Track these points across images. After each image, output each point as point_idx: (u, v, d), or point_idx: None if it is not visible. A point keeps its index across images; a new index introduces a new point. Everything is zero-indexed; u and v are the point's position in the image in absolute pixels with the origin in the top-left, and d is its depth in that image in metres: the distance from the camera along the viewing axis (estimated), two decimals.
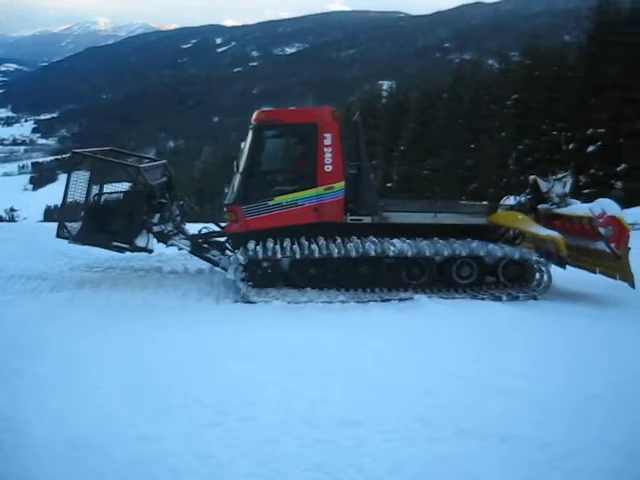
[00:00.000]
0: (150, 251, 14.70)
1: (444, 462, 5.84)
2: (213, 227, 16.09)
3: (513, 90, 62.37)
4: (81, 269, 15.78)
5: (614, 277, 13.30)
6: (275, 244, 13.50)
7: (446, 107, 67.61)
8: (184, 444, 6.19)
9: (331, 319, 11.55)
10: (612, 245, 12.92)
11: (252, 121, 14.61)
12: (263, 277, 13.54)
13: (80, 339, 9.77)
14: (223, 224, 15.82)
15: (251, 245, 13.47)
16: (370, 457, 5.93)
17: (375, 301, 13.03)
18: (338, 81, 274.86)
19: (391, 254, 13.24)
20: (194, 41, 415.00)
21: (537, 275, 13.78)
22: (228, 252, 14.95)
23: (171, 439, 6.29)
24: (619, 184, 30.24)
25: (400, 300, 13.04)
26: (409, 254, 13.27)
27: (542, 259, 13.60)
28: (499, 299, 13.24)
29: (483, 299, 13.24)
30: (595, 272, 13.82)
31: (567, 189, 14.72)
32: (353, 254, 13.18)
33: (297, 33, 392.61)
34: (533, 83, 59.88)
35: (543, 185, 14.91)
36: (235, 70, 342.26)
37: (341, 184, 14.10)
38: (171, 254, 16.70)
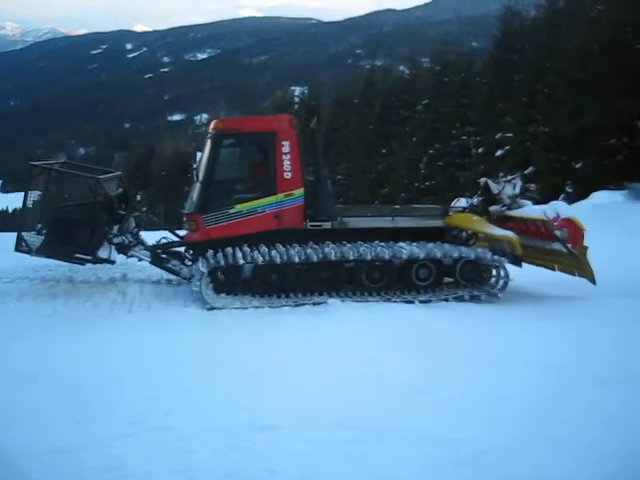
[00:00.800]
0: (112, 262, 14.49)
1: (359, 464, 5.89)
2: (171, 237, 15.87)
3: (423, 95, 63.12)
4: None
5: (572, 274, 13.83)
6: (235, 251, 13.45)
7: (358, 113, 68.08)
8: (97, 456, 6.08)
9: (244, 323, 11.57)
10: (569, 246, 13.42)
11: (210, 130, 14.69)
12: (225, 284, 13.55)
13: None
14: (181, 233, 15.73)
15: (211, 253, 13.38)
16: (285, 461, 5.94)
17: (289, 306, 13.10)
18: (250, 87, 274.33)
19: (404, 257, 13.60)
20: (104, 46, 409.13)
21: (494, 274, 14.13)
22: (187, 262, 14.94)
23: (84, 451, 6.17)
24: (532, 185, 30.89)
25: (314, 304, 13.15)
26: (421, 256, 13.57)
27: (498, 258, 13.88)
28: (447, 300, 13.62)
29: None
30: (554, 269, 14.31)
31: (517, 190, 15.09)
32: (315, 259, 13.33)
33: (208, 39, 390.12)
34: (443, 88, 60.71)
35: (494, 187, 15.22)
36: (146, 76, 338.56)
37: (300, 191, 14.27)
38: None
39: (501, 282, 13.93)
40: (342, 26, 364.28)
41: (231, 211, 14.01)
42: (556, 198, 38.80)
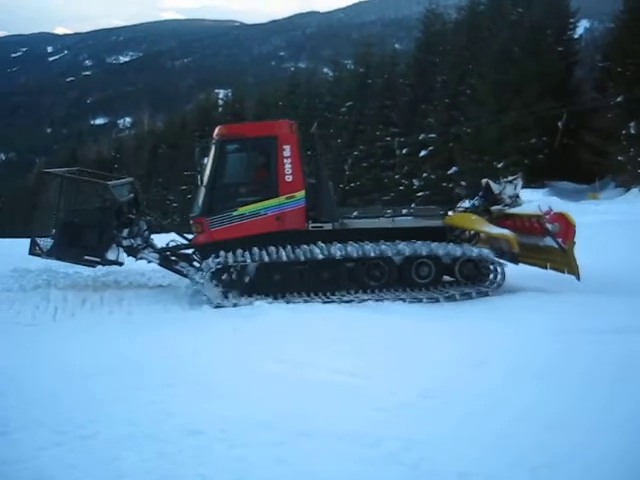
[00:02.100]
0: (120, 264, 15.21)
1: (288, 464, 5.84)
2: (180, 239, 16.40)
3: (347, 97, 63.45)
4: None
5: (562, 271, 13.96)
6: (244, 251, 13.96)
7: (282, 115, 68.04)
8: (23, 467, 5.91)
9: (174, 328, 11.50)
10: (559, 240, 13.63)
11: (214, 136, 15.04)
12: (230, 283, 14.08)
13: None
14: (190, 236, 16.07)
15: (222, 252, 13.83)
16: (215, 466, 5.85)
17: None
18: (173, 90, 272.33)
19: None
20: (24, 49, 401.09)
21: (491, 272, 14.37)
22: (196, 263, 15.24)
23: (9, 463, 5.99)
24: (463, 182, 31.50)
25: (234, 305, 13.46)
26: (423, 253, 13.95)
27: (496, 256, 14.21)
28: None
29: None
30: (546, 268, 14.50)
31: (518, 190, 15.48)
32: (320, 257, 13.73)
33: (131, 41, 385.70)
34: (366, 90, 61.12)
35: (495, 187, 15.55)
36: (68, 79, 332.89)
37: (301, 193, 14.72)
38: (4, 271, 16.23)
39: (498, 280, 14.22)
40: (265, 28, 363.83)
41: (234, 214, 14.49)
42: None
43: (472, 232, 15.58)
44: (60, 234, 14.61)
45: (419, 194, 52.89)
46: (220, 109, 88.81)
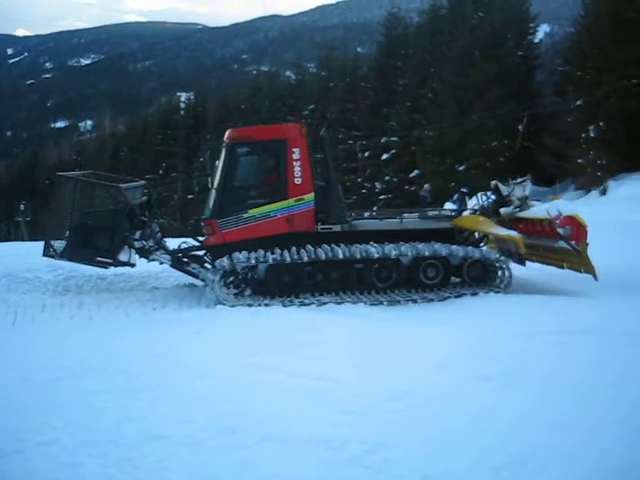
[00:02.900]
0: (132, 265, 15.36)
1: (252, 469, 5.81)
2: (192, 242, 16.44)
3: (310, 100, 63.50)
4: None
5: (579, 271, 14.07)
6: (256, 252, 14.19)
7: (244, 118, 67.91)
8: None
9: (135, 334, 11.42)
10: (572, 243, 13.71)
11: (225, 139, 15.18)
12: (240, 283, 14.26)
13: None
14: (201, 238, 16.22)
15: (236, 253, 14.02)
16: (178, 471, 5.81)
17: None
18: (135, 93, 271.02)
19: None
20: None
21: (499, 273, 14.50)
22: (207, 265, 15.49)
23: None
24: (427, 185, 31.70)
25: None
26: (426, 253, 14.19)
27: (503, 257, 14.41)
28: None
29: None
30: (563, 268, 14.65)
31: (527, 192, 15.59)
32: (341, 256, 13.98)
33: (92, 44, 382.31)
34: (329, 93, 61.20)
35: (504, 189, 15.78)
36: (28, 82, 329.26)
37: (310, 195, 14.91)
38: None
39: (505, 281, 14.39)
40: (228, 31, 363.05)
41: (245, 216, 14.73)
42: (448, 199, 39.77)
43: (480, 234, 15.80)
44: (73, 236, 14.85)
45: (381, 197, 53.07)
46: (182, 112, 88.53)
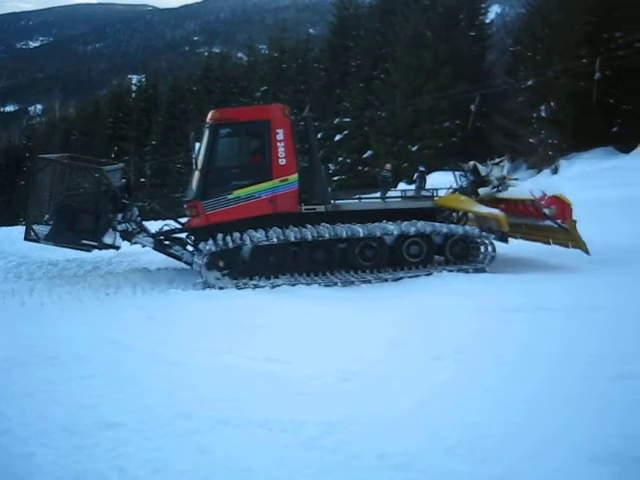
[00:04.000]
0: (117, 248, 15.37)
1: (207, 453, 5.80)
2: (174, 224, 16.50)
3: (262, 82, 63.25)
4: None
5: (567, 246, 14.32)
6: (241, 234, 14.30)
7: (196, 100, 67.57)
8: None
9: (90, 319, 11.30)
10: (559, 221, 13.99)
11: (208, 120, 15.29)
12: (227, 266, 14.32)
13: None
14: (183, 220, 16.27)
15: (219, 235, 14.17)
16: (133, 458, 5.76)
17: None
18: (86, 75, 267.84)
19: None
20: None
21: (482, 249, 14.73)
22: (189, 247, 15.74)
23: None
24: (388, 165, 31.84)
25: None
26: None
27: (485, 234, 14.54)
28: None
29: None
30: (549, 244, 14.95)
31: (505, 172, 15.96)
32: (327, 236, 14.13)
33: (41, 26, 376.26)
34: (281, 74, 61.00)
35: (482, 169, 16.02)
36: None
37: (294, 176, 15.03)
38: None
39: (488, 257, 14.56)
40: (178, 13, 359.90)
41: (229, 197, 14.78)
42: (402, 179, 39.94)
43: (461, 213, 16.03)
44: (58, 219, 14.68)
45: (335, 178, 53.09)
46: (134, 95, 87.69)
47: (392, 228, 14.27)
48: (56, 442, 6.12)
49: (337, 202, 15.90)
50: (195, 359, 8.59)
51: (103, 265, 16.84)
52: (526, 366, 7.63)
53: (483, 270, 14.43)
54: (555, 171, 36.27)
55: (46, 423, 6.54)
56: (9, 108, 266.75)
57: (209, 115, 15.32)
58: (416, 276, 14.28)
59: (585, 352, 7.92)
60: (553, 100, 38.27)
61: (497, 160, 16.15)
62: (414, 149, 45.42)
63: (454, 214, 16.19)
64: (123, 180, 16.63)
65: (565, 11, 37.55)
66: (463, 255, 14.88)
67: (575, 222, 13.98)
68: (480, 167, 16.08)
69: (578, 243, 13.98)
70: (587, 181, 28.77)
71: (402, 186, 33.52)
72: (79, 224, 14.55)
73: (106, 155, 71.07)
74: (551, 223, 14.23)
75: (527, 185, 15.06)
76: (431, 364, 7.95)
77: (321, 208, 15.20)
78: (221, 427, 6.34)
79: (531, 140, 39.94)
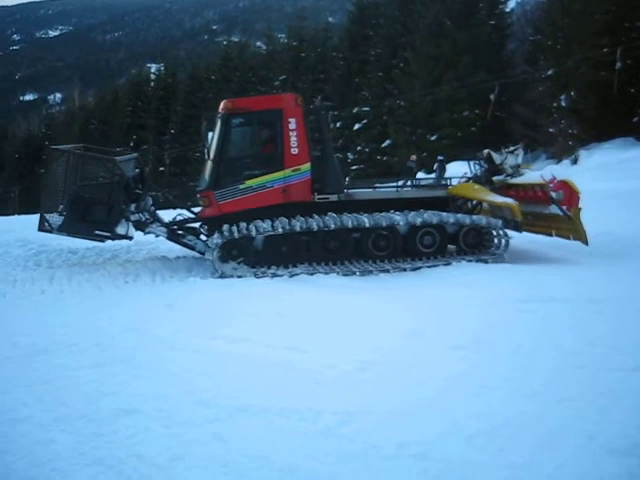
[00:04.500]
0: (130, 238, 15.55)
1: (225, 441, 5.81)
2: (187, 213, 16.50)
3: (281, 71, 63.13)
4: None
5: (568, 238, 14.27)
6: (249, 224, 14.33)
7: (215, 89, 67.53)
8: None
9: (110, 307, 11.34)
10: (564, 207, 13.92)
11: (220, 110, 15.23)
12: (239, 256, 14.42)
13: None
14: (196, 210, 16.27)
15: (225, 226, 14.24)
16: (151, 445, 5.80)
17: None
18: (105, 64, 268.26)
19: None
20: None
21: (495, 240, 14.73)
22: (203, 237, 15.72)
23: None
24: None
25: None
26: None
27: (494, 222, 14.51)
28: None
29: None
30: (551, 235, 14.88)
31: (519, 160, 15.86)
32: (349, 225, 14.15)
33: (60, 15, 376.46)
34: (300, 64, 60.83)
35: (496, 158, 15.98)
36: None
37: (307, 165, 14.98)
38: None
39: (502, 245, 14.56)
40: (197, 1, 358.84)
41: (241, 187, 14.77)
42: (425, 168, 39.79)
43: (475, 202, 16.01)
44: (71, 209, 14.64)
45: (353, 167, 53.00)
46: (152, 84, 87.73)
47: (398, 218, 14.24)
48: (75, 429, 6.16)
49: (350, 191, 15.79)
50: (213, 347, 8.61)
51: (122, 253, 16.91)
52: (543, 356, 7.62)
53: (502, 260, 14.36)
54: (575, 161, 36.03)
55: (65, 410, 6.59)
56: (29, 97, 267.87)
57: (221, 105, 15.29)
58: (435, 266, 14.23)
59: (601, 343, 7.90)
60: (573, 90, 37.98)
61: (512, 148, 16.01)
62: (433, 138, 45.22)
63: (468, 203, 16.17)
64: (137, 170, 16.67)
65: (584, 0, 37.26)
66: (476, 244, 14.87)
67: (580, 210, 13.88)
68: (494, 155, 16.02)
69: (579, 232, 13.88)
70: (606, 172, 28.58)
71: (420, 175, 33.34)
72: (92, 215, 14.56)
73: (125, 144, 71.32)
74: (556, 209, 14.13)
75: (543, 174, 14.95)
76: (449, 354, 7.93)
77: (334, 197, 15.16)
78: (239, 415, 6.35)
79: (551, 130, 39.69)
